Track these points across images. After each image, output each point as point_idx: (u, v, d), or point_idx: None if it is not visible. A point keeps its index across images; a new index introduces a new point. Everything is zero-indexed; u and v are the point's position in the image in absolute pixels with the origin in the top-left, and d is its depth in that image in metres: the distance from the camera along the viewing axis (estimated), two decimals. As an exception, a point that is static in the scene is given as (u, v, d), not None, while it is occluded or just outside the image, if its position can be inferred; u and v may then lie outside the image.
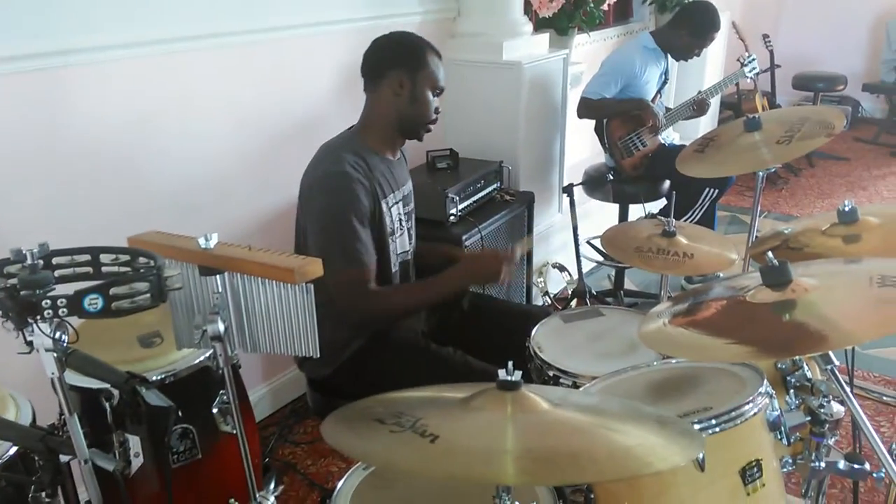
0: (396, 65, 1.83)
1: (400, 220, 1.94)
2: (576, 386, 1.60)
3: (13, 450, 1.26)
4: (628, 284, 3.64)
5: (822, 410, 1.26)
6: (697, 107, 3.35)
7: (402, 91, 1.83)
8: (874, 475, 1.28)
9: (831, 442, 1.28)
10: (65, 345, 1.10)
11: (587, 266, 3.49)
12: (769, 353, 1.21)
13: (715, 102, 5.22)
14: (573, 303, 3.17)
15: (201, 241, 1.25)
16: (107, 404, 1.39)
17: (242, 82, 2.32)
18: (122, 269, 1.18)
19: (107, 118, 1.98)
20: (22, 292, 1.02)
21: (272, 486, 1.35)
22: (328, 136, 1.92)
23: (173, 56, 2.11)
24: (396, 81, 1.82)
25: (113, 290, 1.05)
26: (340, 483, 1.36)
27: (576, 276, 3.21)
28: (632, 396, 1.37)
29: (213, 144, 2.28)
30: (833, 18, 6.56)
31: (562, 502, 1.31)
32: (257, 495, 1.31)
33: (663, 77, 3.45)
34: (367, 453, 1.04)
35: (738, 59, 3.44)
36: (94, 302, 1.05)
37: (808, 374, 1.40)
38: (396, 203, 1.92)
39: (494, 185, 2.90)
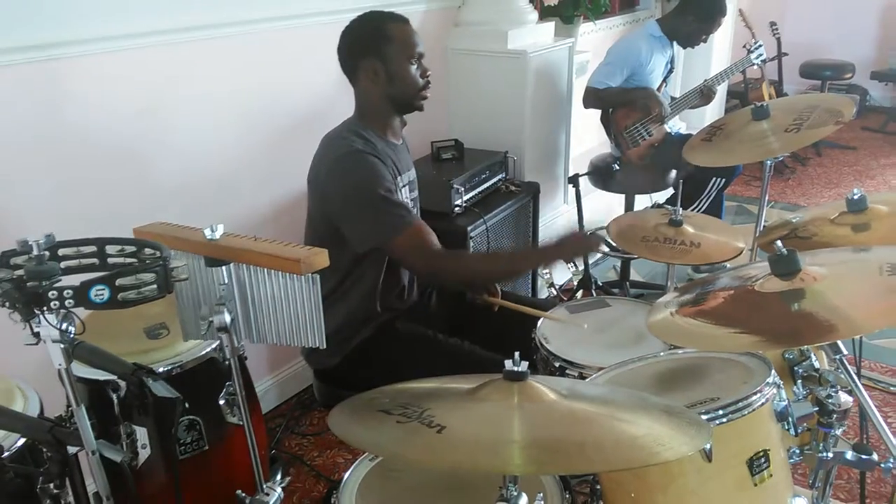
0: (363, 53, 1.80)
1: (408, 204, 1.93)
2: (582, 377, 1.60)
3: (21, 441, 1.27)
4: (634, 275, 3.63)
5: (829, 401, 1.25)
6: (703, 94, 3.32)
7: (379, 76, 1.80)
8: (882, 465, 1.28)
9: (839, 432, 1.27)
10: (71, 336, 1.10)
11: (593, 257, 3.48)
12: (777, 342, 1.20)
13: (721, 91, 5.20)
14: (579, 294, 3.17)
15: (207, 232, 1.25)
16: (114, 396, 1.40)
17: (247, 73, 2.31)
18: (128, 260, 1.18)
19: (111, 110, 1.98)
20: (28, 283, 1.02)
21: (279, 477, 1.35)
22: (334, 127, 1.92)
23: (177, 46, 2.10)
24: (370, 69, 1.80)
25: (119, 281, 1.05)
26: (347, 474, 1.36)
27: (581, 267, 3.20)
28: (638, 387, 1.37)
29: (218, 136, 2.27)
30: (841, 5, 6.50)
31: (567, 493, 1.31)
32: (264, 486, 1.31)
33: (669, 66, 3.42)
34: (375, 444, 1.04)
35: (744, 46, 3.41)
36: (100, 293, 1.05)
37: (816, 364, 1.39)
38: (404, 186, 1.91)
39: (500, 176, 2.89)
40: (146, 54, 2.03)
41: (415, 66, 1.82)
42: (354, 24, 1.84)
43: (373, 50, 1.79)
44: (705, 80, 3.35)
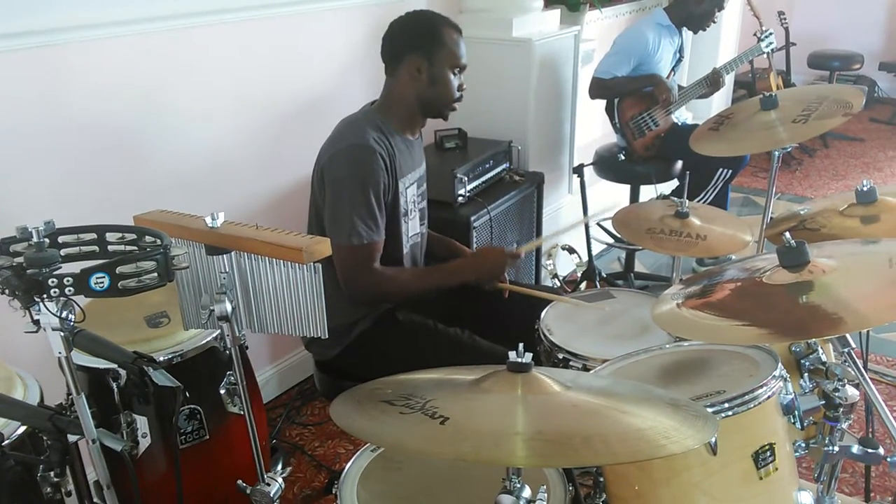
0: (412, 48, 1.80)
1: (414, 201, 1.93)
2: (586, 369, 1.59)
3: (21, 429, 1.26)
4: (639, 267, 3.61)
5: (836, 394, 1.24)
6: (711, 82, 3.28)
7: (421, 74, 1.80)
8: (888, 459, 1.26)
9: (845, 426, 1.26)
10: (71, 324, 1.09)
11: (597, 248, 3.46)
12: (784, 335, 1.19)
13: (729, 81, 5.15)
14: (583, 285, 3.15)
15: (208, 220, 1.24)
16: (114, 384, 1.39)
17: (250, 60, 2.29)
18: (129, 247, 1.17)
19: (111, 96, 1.96)
20: (28, 271, 1.01)
21: (280, 467, 1.34)
22: (337, 114, 1.90)
23: (179, 32, 2.08)
24: (414, 65, 1.80)
25: (119, 269, 1.04)
26: (349, 465, 1.35)
27: (585, 259, 3.19)
28: (643, 379, 1.35)
29: (220, 123, 2.26)
30: (850, -4, 6.45)
31: (571, 485, 1.30)
32: (265, 476, 1.30)
33: (678, 55, 3.39)
34: (377, 435, 1.02)
35: (754, 34, 3.37)
36: (100, 281, 1.04)
37: (823, 358, 1.38)
38: (412, 184, 1.91)
39: (503, 166, 2.87)
40: (146, 40, 2.01)
41: (455, 77, 1.83)
42: (411, 17, 1.85)
43: (423, 48, 1.79)
44: (714, 68, 3.32)
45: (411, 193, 1.90)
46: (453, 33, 1.83)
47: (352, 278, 1.75)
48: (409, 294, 1.87)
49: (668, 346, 1.49)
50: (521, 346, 1.06)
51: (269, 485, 1.30)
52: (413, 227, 1.94)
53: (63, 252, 1.14)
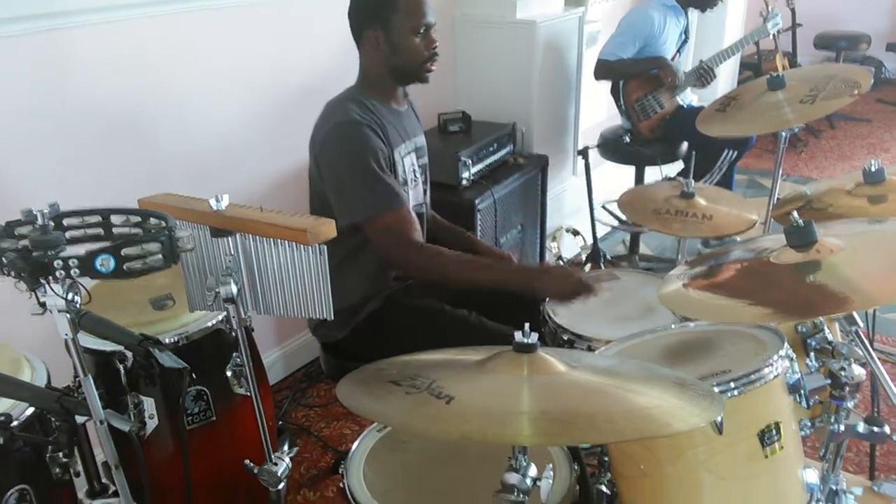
0: (367, 20, 1.77)
1: (414, 171, 1.91)
2: (591, 350, 1.59)
3: (30, 411, 1.27)
4: (643, 249, 3.61)
5: (842, 373, 1.23)
6: (700, 77, 3.25)
7: (381, 45, 1.77)
8: (893, 438, 1.27)
9: (850, 405, 1.26)
10: (77, 306, 1.09)
11: (601, 230, 3.46)
12: (790, 314, 1.18)
13: (734, 62, 5.12)
14: (587, 267, 3.15)
15: (212, 203, 1.23)
16: (121, 366, 1.40)
17: (252, 43, 2.28)
18: (134, 230, 1.17)
19: (116, 80, 1.96)
20: (34, 253, 1.02)
21: (286, 447, 1.35)
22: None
23: (183, 16, 2.07)
24: (373, 37, 1.77)
25: (124, 251, 1.04)
26: (355, 444, 1.36)
27: (590, 241, 3.18)
28: (649, 360, 1.35)
29: (223, 106, 2.25)
30: (857, -25, 6.38)
31: (577, 465, 1.31)
32: (272, 456, 1.31)
33: (683, 36, 3.36)
34: (383, 414, 1.03)
35: (760, 14, 3.34)
36: (105, 262, 1.04)
37: (829, 337, 1.37)
38: (409, 153, 1.89)
39: (507, 149, 2.86)
40: (152, 24, 2.00)
41: (419, 38, 1.77)
42: None
43: (377, 18, 1.76)
44: (701, 61, 3.28)
45: (409, 163, 1.88)
46: None
47: (389, 254, 1.71)
48: (447, 278, 1.77)
49: (673, 326, 1.49)
50: (526, 325, 1.06)
51: (276, 464, 1.30)
52: (415, 198, 1.92)
53: (68, 235, 1.14)
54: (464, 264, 1.77)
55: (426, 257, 1.74)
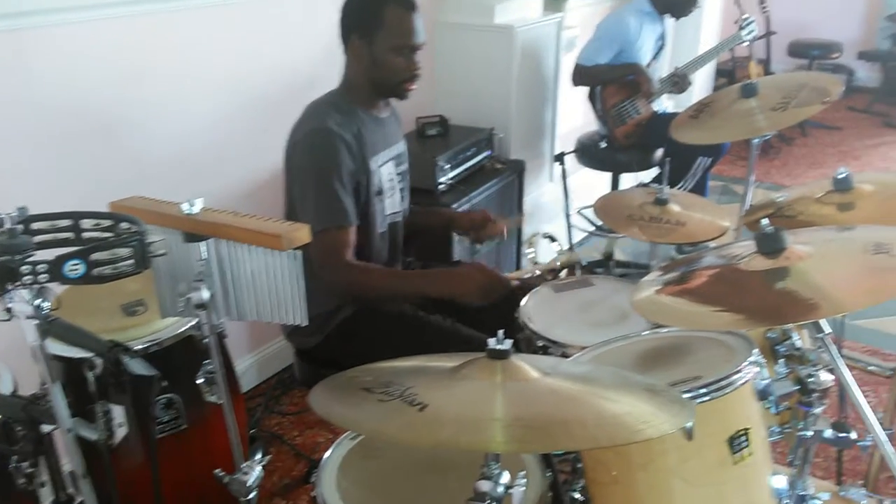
0: (353, 29, 1.77)
1: (391, 179, 1.90)
2: (565, 356, 1.59)
3: (-6, 419, 1.24)
4: (619, 255, 3.63)
5: (810, 379, 1.25)
6: (676, 84, 3.29)
7: (362, 55, 1.77)
8: (860, 444, 1.28)
9: (819, 411, 1.28)
10: (45, 312, 1.07)
11: (577, 236, 3.48)
12: (761, 320, 1.20)
13: (710, 69, 5.18)
14: (563, 273, 3.16)
15: (185, 207, 1.22)
16: (89, 374, 1.37)
17: (228, 45, 2.26)
18: (104, 234, 1.15)
19: (88, 81, 1.93)
20: (0, 257, 1.00)
21: (258, 456, 1.33)
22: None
23: (157, 16, 2.05)
24: (356, 45, 1.77)
25: (94, 256, 1.03)
26: (328, 453, 1.35)
27: (566, 247, 3.20)
28: (622, 366, 1.36)
29: (198, 109, 2.23)
30: (829, -15, 6.50)
31: (549, 471, 1.31)
32: (243, 465, 1.30)
33: (660, 42, 3.39)
34: (356, 422, 1.02)
35: (735, 22, 3.38)
36: (75, 268, 1.03)
37: (798, 343, 1.39)
38: (387, 162, 1.88)
39: (485, 153, 2.87)
40: (125, 24, 1.98)
41: (401, 58, 1.76)
42: None
43: (363, 28, 1.75)
44: (676, 68, 3.32)
45: (387, 171, 1.88)
46: (400, 11, 1.74)
47: (322, 267, 1.70)
48: (379, 294, 1.79)
49: (646, 332, 1.50)
50: (500, 332, 1.06)
51: (246, 474, 1.29)
52: (391, 206, 1.92)
53: (37, 239, 1.12)
54: (386, 277, 1.81)
55: (353, 274, 1.73)
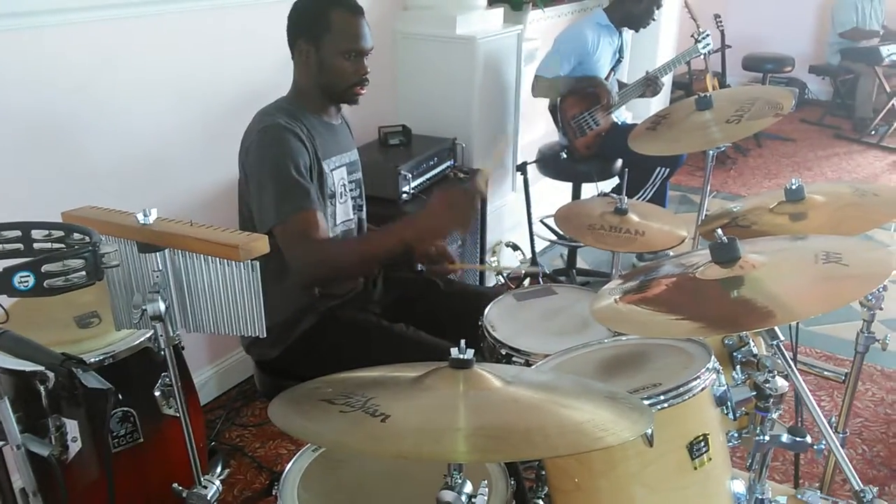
0: (300, 32, 1.76)
1: (343, 185, 1.89)
2: (528, 364, 1.60)
3: (-60, 436, 1.20)
4: (580, 263, 3.67)
5: (767, 385, 1.28)
6: (648, 85, 3.35)
7: (309, 60, 1.76)
8: (815, 447, 1.31)
9: (775, 416, 1.30)
10: (-7, 325, 1.04)
11: (540, 245, 3.50)
12: (717, 328, 1.22)
13: (667, 82, 5.27)
14: (526, 282, 3.18)
15: (140, 217, 1.20)
16: (41, 387, 1.34)
17: (184, 54, 2.23)
18: (56, 245, 1.13)
19: (41, 87, 1.89)
20: (-55, 270, 0.97)
21: (218, 469, 1.31)
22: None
23: (111, 23, 2.01)
24: (303, 50, 1.76)
25: (45, 268, 1.00)
26: (289, 465, 1.33)
27: (529, 255, 3.22)
28: (583, 374, 1.38)
29: (153, 117, 2.19)
30: (782, 0, 6.69)
31: (514, 480, 1.31)
32: (202, 479, 1.27)
33: (617, 55, 3.45)
34: (317, 434, 1.01)
35: (692, 35, 3.46)
36: (24, 280, 1.00)
37: (754, 350, 1.42)
38: (339, 167, 1.87)
39: (448, 163, 2.88)
40: (77, 31, 1.94)
41: (349, 62, 1.75)
42: (300, 0, 1.79)
43: (309, 33, 1.75)
44: (648, 71, 3.38)
45: (339, 176, 1.86)
46: (346, 16, 1.73)
47: (293, 257, 1.65)
48: (360, 259, 1.74)
49: (607, 340, 1.52)
50: (462, 342, 1.06)
51: (205, 488, 1.26)
52: (344, 213, 1.90)
53: (-16, 250, 1.09)
54: (361, 242, 1.79)
55: (327, 250, 1.69)
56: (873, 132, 5.79)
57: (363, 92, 1.81)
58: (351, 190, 1.93)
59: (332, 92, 1.81)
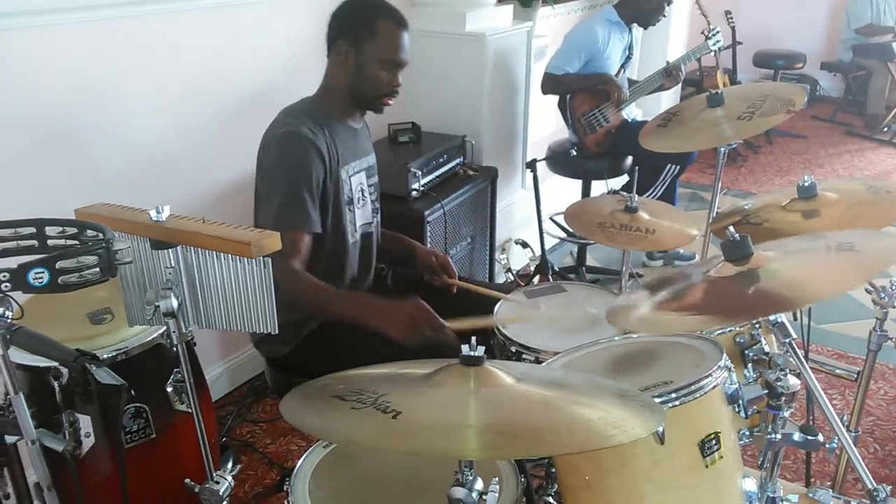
0: (343, 33, 1.77)
1: (362, 190, 1.90)
2: (538, 361, 1.60)
3: (-45, 431, 1.21)
4: (590, 261, 3.66)
5: (778, 384, 1.27)
6: (669, 75, 3.33)
7: (348, 61, 1.77)
8: (826, 446, 1.31)
9: (787, 414, 1.30)
10: (8, 321, 1.05)
11: (550, 242, 3.50)
12: (731, 318, 1.22)
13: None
14: (536, 279, 3.18)
15: (153, 214, 1.20)
16: (55, 383, 1.35)
17: (197, 50, 2.24)
18: (70, 242, 1.14)
19: (54, 85, 1.90)
20: (-40, 266, 0.98)
21: (230, 465, 1.32)
22: (286, 105, 1.87)
23: (123, 21, 2.02)
24: (342, 50, 1.77)
25: (59, 264, 1.01)
26: (300, 461, 1.34)
27: (538, 253, 3.21)
28: (594, 371, 1.37)
29: (167, 114, 2.20)
30: (794, -3, 6.65)
31: (523, 477, 1.31)
32: (214, 474, 1.28)
33: (627, 52, 3.44)
34: (328, 430, 1.02)
35: (702, 32, 3.45)
36: (39, 276, 1.01)
37: (766, 348, 1.42)
38: (358, 172, 1.89)
39: (458, 160, 2.87)
40: (91, 29, 1.95)
41: (385, 71, 1.77)
42: (353, 1, 1.80)
43: (353, 35, 1.76)
44: (668, 62, 3.37)
45: (357, 182, 1.88)
46: (392, 26, 1.76)
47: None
48: (311, 306, 1.74)
49: (617, 338, 1.51)
50: (473, 339, 1.07)
51: (217, 483, 1.27)
52: (363, 217, 1.91)
53: (-1, 246, 1.10)
54: (321, 293, 1.70)
55: (289, 281, 1.64)
56: (885, 129, 5.74)
57: (391, 103, 1.83)
58: (370, 194, 1.94)
59: (362, 98, 1.82)
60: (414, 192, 2.59)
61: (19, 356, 1.31)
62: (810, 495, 1.44)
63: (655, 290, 1.39)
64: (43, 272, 1.01)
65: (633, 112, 3.56)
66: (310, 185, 1.71)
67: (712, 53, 3.54)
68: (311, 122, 1.75)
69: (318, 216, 1.73)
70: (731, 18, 5.37)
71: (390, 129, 2.83)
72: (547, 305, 1.86)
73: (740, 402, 1.25)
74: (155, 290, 1.23)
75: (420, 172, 2.61)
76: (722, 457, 1.18)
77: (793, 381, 1.27)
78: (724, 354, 1.25)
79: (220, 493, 1.27)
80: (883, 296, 1.55)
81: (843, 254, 1.19)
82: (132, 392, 1.22)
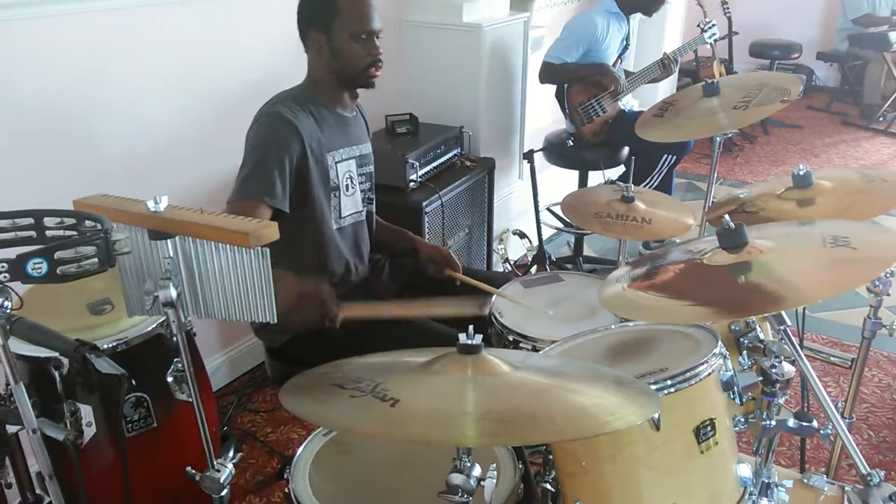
0: (310, 23, 1.79)
1: (350, 178, 1.90)
2: (535, 350, 1.61)
3: (-43, 421, 1.22)
4: (587, 251, 3.67)
5: (773, 370, 1.28)
6: (665, 66, 3.34)
7: (323, 49, 1.78)
8: (821, 432, 1.32)
9: (782, 401, 1.31)
10: (8, 311, 1.06)
11: (547, 233, 3.51)
12: (726, 313, 1.23)
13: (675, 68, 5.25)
14: (533, 269, 3.19)
15: (150, 204, 1.20)
16: (56, 373, 1.36)
17: (193, 42, 2.24)
18: (68, 232, 1.14)
19: (53, 76, 1.90)
20: (-40, 257, 0.98)
21: (230, 453, 1.32)
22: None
23: (124, 13, 2.02)
24: (315, 41, 1.79)
25: (58, 255, 1.02)
26: (300, 449, 1.35)
27: (536, 243, 3.22)
28: (590, 359, 1.38)
29: (163, 105, 2.20)
30: (790, -14, 6.63)
31: (521, 463, 1.33)
32: (215, 463, 1.29)
33: (625, 42, 3.44)
34: (327, 418, 1.03)
35: (698, 25, 3.45)
36: (37, 266, 1.01)
37: (761, 336, 1.42)
38: (347, 160, 1.89)
39: (455, 151, 2.88)
40: (90, 21, 1.95)
41: (360, 44, 1.77)
42: None
43: (319, 22, 1.77)
44: (665, 53, 3.37)
45: (345, 169, 1.88)
46: None
47: None
48: None
49: (614, 326, 1.52)
50: (471, 327, 1.07)
51: (218, 471, 1.28)
52: (353, 205, 1.92)
53: (-2, 237, 1.10)
54: None
55: None
56: (881, 119, 5.75)
57: (378, 74, 1.82)
58: (361, 182, 1.94)
59: (347, 77, 1.82)
60: (412, 184, 2.60)
61: (20, 346, 1.32)
62: (805, 481, 1.45)
63: (635, 267, 1.40)
64: (41, 262, 1.01)
65: (630, 102, 3.56)
66: (281, 163, 1.70)
67: (708, 44, 3.54)
68: (295, 104, 1.77)
69: (284, 194, 1.72)
70: (728, 8, 5.36)
71: (388, 121, 2.83)
72: (544, 296, 1.87)
73: (735, 388, 1.26)
74: (154, 280, 1.23)
75: (418, 163, 2.62)
76: (717, 443, 1.19)
77: (788, 368, 1.28)
78: (720, 342, 1.26)
79: (222, 481, 1.28)
80: (877, 283, 1.57)
81: (838, 251, 1.20)
82: (133, 382, 1.23)
